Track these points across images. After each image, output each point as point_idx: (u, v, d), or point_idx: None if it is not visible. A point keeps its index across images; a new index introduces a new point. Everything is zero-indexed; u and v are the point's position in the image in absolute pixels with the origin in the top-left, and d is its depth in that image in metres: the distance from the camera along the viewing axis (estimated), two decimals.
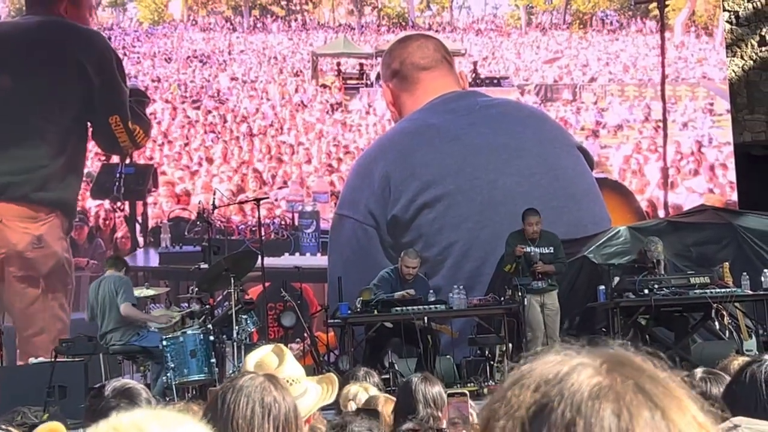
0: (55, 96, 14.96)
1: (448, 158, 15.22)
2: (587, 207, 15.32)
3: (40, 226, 14.57)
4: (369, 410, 4.55)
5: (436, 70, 16.05)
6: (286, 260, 15.18)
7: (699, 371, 4.05)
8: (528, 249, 12.20)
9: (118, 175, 15.33)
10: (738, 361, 4.29)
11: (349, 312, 11.98)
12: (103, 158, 15.51)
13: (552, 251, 12.31)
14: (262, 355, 3.72)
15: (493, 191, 15.05)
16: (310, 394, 3.71)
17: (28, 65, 14.98)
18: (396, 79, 15.93)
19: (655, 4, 17.33)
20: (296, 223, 15.72)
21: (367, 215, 15.05)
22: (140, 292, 12.36)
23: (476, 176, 15.12)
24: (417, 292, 12.22)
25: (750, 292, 12.20)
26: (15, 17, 15.88)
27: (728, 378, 3.82)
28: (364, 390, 5.26)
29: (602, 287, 12.43)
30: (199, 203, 14.16)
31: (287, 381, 3.60)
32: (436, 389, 4.79)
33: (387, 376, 10.78)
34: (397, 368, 11.65)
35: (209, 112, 16.21)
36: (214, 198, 13.44)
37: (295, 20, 17.22)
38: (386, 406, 4.87)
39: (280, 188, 15.89)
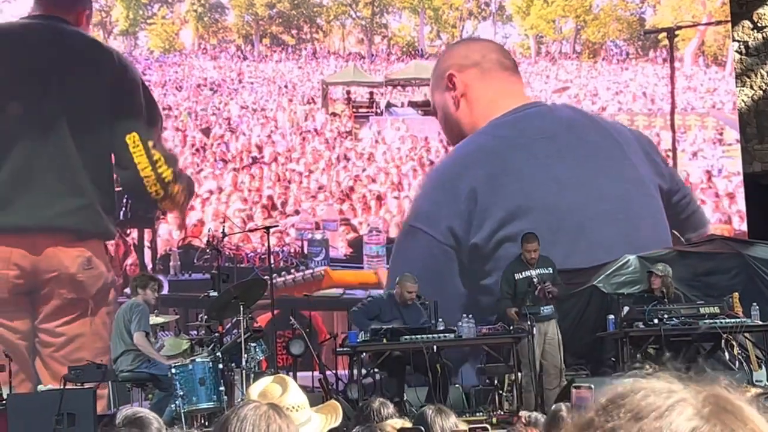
0: (95, 121, 14.95)
1: (537, 191, 14.83)
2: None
3: (89, 247, 14.66)
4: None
5: (513, 76, 16.00)
6: None
7: None
8: (527, 273, 12.19)
9: (125, 201, 15.33)
10: (750, 393, 4.25)
11: (358, 340, 11.98)
12: None
13: (551, 272, 12.32)
14: (266, 385, 3.73)
15: (578, 236, 14.66)
16: (314, 421, 3.71)
17: (50, 83, 14.90)
18: (475, 69, 15.66)
19: (664, 34, 17.37)
20: (305, 251, 15.72)
21: (448, 235, 14.66)
22: (151, 320, 12.36)
23: (563, 217, 14.65)
24: (412, 319, 12.21)
25: (760, 323, 12.17)
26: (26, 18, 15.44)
27: None
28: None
29: (611, 317, 12.42)
30: (209, 231, 14.16)
31: (293, 407, 3.61)
32: (451, 421, 4.78)
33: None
34: (406, 398, 11.63)
35: (219, 139, 16.25)
36: (224, 226, 13.46)
37: (306, 49, 17.29)
38: None
39: (289, 216, 15.90)
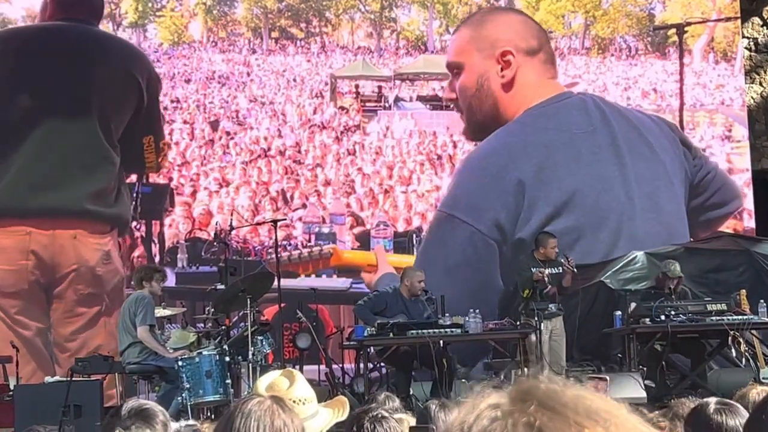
0: (116, 113, 14.96)
1: (585, 187, 14.76)
2: None
3: (108, 241, 14.65)
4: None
5: (555, 68, 15.94)
6: (302, 281, 15.19)
7: (712, 402, 3.91)
8: (541, 269, 12.16)
9: (135, 194, 15.35)
10: (756, 390, 4.22)
11: (365, 334, 11.96)
12: None
13: (561, 271, 12.28)
14: (273, 379, 3.74)
15: (618, 233, 14.68)
16: (321, 415, 3.72)
17: (79, 74, 14.93)
18: (531, 57, 15.38)
19: (674, 31, 17.34)
20: (313, 245, 15.73)
21: (492, 228, 14.37)
22: (157, 312, 12.35)
23: (606, 215, 14.68)
24: (417, 314, 12.19)
25: (767, 320, 12.14)
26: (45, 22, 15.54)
27: (742, 409, 3.75)
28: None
29: (618, 313, 12.41)
30: (217, 224, 14.18)
31: (300, 400, 3.61)
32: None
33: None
34: (412, 392, 11.63)
35: (228, 133, 16.26)
36: (231, 219, 13.46)
37: (315, 42, 17.29)
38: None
39: (297, 209, 15.91)
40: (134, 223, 15.37)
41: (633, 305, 12.35)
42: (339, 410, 3.80)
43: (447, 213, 14.91)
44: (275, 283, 12.05)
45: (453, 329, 11.84)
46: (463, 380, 12.58)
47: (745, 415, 3.62)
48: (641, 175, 15.15)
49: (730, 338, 12.08)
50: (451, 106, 16.21)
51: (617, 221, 14.79)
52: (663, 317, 11.98)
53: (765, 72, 16.94)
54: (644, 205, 14.99)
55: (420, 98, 17.04)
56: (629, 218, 14.87)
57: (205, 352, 10.88)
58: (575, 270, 12.15)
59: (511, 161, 14.79)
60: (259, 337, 11.13)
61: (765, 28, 16.98)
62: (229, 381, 10.69)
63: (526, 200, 14.42)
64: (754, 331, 12.30)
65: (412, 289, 12.33)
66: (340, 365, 13.47)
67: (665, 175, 15.33)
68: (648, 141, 15.47)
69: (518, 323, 12.00)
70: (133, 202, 15.28)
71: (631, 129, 15.57)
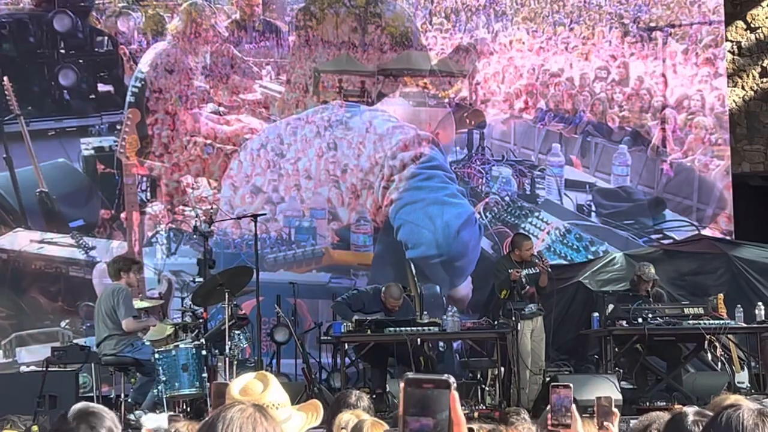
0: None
1: None
2: None
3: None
4: None
5: None
6: (282, 275, 15.17)
7: (690, 413, 3.90)
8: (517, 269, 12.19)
9: (117, 190, 15.28)
10: (730, 401, 4.24)
11: (343, 330, 11.97)
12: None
13: (538, 271, 12.31)
14: (247, 382, 3.73)
15: None
16: (295, 419, 3.71)
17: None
18: None
19: (657, 32, 17.34)
20: (293, 239, 15.71)
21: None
22: (135, 304, 12.33)
23: None
24: (402, 316, 12.26)
25: (743, 325, 12.18)
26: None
27: None
28: (356, 417, 5.14)
29: (596, 314, 12.43)
30: (197, 216, 14.14)
31: (273, 405, 3.60)
32: None
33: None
34: (389, 389, 11.64)
35: (209, 124, 16.21)
36: (211, 211, 13.44)
37: (299, 36, 17.23)
38: (373, 429, 4.81)
39: (277, 203, 15.88)
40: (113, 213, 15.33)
41: (611, 307, 12.38)
42: (313, 415, 3.79)
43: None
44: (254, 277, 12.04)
45: (430, 327, 11.87)
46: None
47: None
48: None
49: (706, 342, 12.14)
50: (434, 102, 16.64)
51: None
52: (640, 320, 12.01)
53: (747, 76, 16.98)
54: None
55: (403, 94, 17.02)
56: None
57: (182, 345, 10.88)
58: (549, 269, 12.20)
59: None
60: (237, 332, 11.14)
61: (748, 31, 17.02)
62: (205, 374, 10.69)
63: None
64: (730, 335, 12.35)
65: (387, 304, 12.46)
66: (318, 360, 13.48)
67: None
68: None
69: (496, 323, 12.03)
70: (116, 199, 15.23)
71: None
